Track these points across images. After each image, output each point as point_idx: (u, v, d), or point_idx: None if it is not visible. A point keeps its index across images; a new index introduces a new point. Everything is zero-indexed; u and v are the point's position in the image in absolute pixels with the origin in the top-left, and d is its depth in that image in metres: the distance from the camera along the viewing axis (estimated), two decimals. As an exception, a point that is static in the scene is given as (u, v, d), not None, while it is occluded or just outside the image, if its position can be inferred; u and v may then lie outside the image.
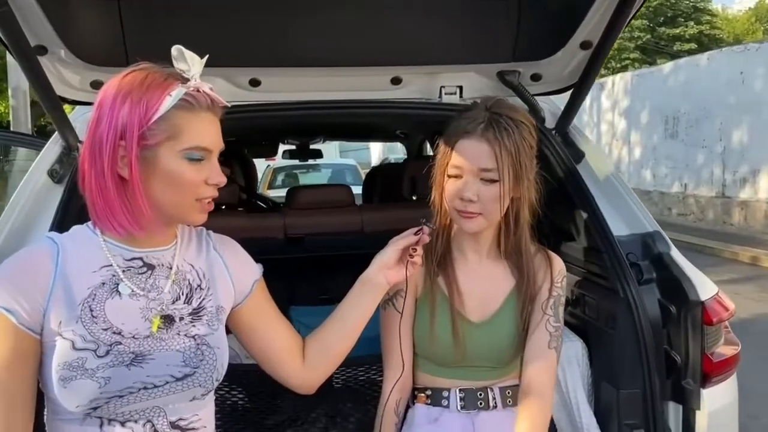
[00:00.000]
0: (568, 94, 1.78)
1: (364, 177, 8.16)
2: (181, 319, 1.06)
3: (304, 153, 4.75)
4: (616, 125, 13.96)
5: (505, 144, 1.24)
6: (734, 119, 10.24)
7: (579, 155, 1.73)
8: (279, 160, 9.03)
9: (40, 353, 0.99)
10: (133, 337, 1.01)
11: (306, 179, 9.23)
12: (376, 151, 24.76)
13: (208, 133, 1.02)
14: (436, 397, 1.38)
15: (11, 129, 9.37)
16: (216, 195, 1.06)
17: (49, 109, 1.51)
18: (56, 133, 1.63)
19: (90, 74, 1.63)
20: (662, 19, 37.03)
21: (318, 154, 5.10)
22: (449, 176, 1.30)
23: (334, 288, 1.40)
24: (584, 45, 1.66)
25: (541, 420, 1.30)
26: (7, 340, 0.96)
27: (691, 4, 37.32)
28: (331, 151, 12.16)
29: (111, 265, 1.03)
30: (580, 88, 1.70)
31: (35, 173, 1.58)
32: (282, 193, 6.56)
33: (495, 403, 1.36)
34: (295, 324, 1.48)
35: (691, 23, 36.68)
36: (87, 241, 1.05)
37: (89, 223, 1.07)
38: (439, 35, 1.70)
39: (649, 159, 12.77)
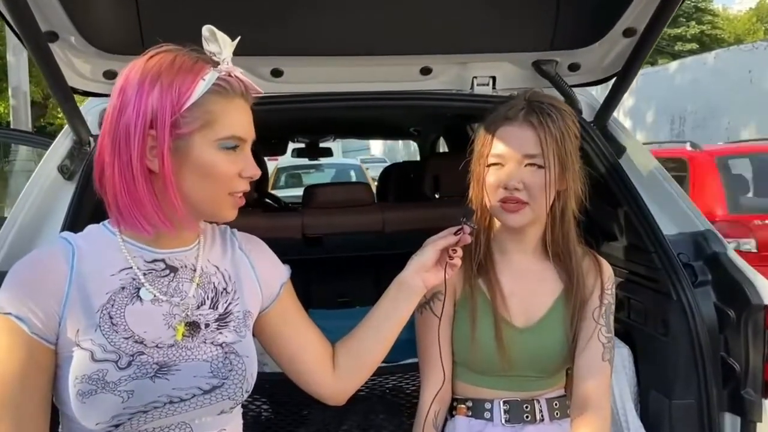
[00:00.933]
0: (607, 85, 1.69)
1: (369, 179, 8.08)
2: (207, 325, 0.96)
3: (314, 151, 4.65)
4: (621, 125, 13.92)
5: (550, 129, 1.17)
6: (742, 118, 10.19)
7: (620, 150, 1.64)
8: (281, 160, 8.94)
9: (55, 365, 0.89)
10: (157, 346, 0.91)
11: (309, 179, 9.11)
12: (377, 152, 24.71)
13: (243, 122, 0.94)
14: (477, 409, 1.27)
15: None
16: (248, 189, 0.97)
17: (60, 101, 1.42)
18: (66, 126, 1.54)
19: (103, 63, 1.53)
20: (663, 19, 36.98)
21: (328, 152, 5.00)
22: (490, 166, 1.21)
23: (354, 290, 1.33)
24: (627, 32, 1.56)
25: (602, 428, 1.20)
26: (19, 351, 0.86)
27: (692, 4, 37.29)
28: (334, 151, 12.07)
29: (131, 268, 0.93)
30: (622, 79, 1.60)
31: (44, 169, 1.48)
32: (286, 193, 6.50)
33: (542, 416, 1.26)
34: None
35: (693, 23, 36.64)
36: (104, 242, 0.95)
37: (106, 222, 0.98)
38: (472, 22, 1.60)
39: (655, 159, 12.72)
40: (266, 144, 3.62)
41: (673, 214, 1.53)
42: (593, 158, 1.59)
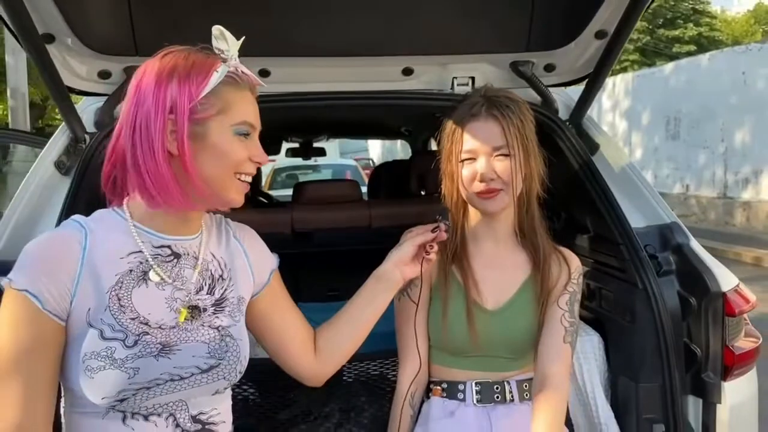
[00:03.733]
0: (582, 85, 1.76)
1: (364, 177, 8.14)
2: (205, 310, 1.03)
3: (307, 151, 4.72)
4: (617, 126, 13.94)
5: (512, 119, 1.26)
6: (736, 119, 10.23)
7: (594, 147, 1.71)
8: (278, 161, 9.01)
9: (64, 342, 0.96)
10: (160, 327, 0.98)
11: (306, 180, 9.17)
12: (376, 153, 24.75)
13: (253, 111, 1.03)
14: (451, 391, 1.35)
15: (10, 130, 9.36)
16: (254, 172, 1.06)
17: (57, 100, 1.49)
18: (63, 124, 1.61)
19: (98, 63, 1.60)
20: (661, 20, 37.03)
21: (321, 152, 5.07)
22: (462, 161, 1.28)
23: (342, 284, 1.39)
24: (599, 34, 1.63)
25: (558, 413, 1.27)
26: (31, 326, 0.92)
27: (690, 6, 37.37)
28: (332, 151, 12.12)
29: (141, 252, 1.00)
30: (595, 79, 1.67)
31: (42, 165, 1.55)
32: (282, 193, 6.56)
33: (512, 396, 1.34)
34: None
35: (690, 25, 36.70)
36: (114, 226, 1.01)
37: (115, 207, 1.04)
38: (452, 24, 1.67)
39: (650, 160, 12.74)
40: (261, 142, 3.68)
41: (642, 207, 1.60)
42: (567, 154, 1.66)
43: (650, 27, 36.94)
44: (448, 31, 1.68)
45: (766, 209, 9.66)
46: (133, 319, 0.96)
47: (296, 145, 4.67)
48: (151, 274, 0.99)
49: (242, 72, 1.01)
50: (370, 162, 11.50)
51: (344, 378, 1.53)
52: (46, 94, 16.05)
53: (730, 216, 10.41)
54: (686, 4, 37.08)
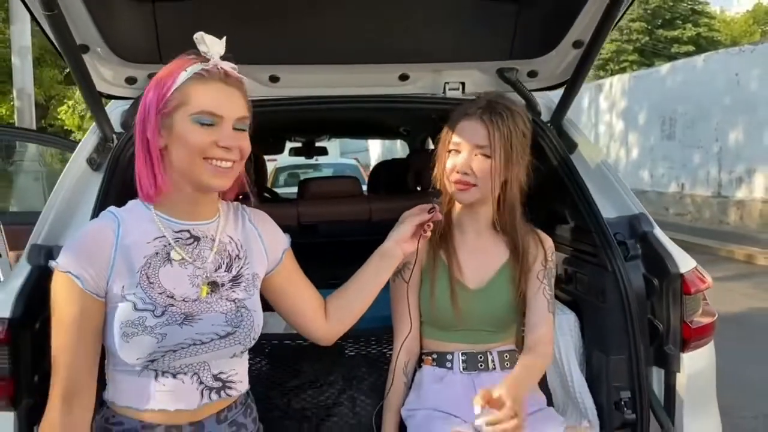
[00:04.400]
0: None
1: (365, 176, 8.31)
2: (223, 285, 1.21)
3: (310, 150, 4.91)
4: (614, 126, 14.11)
5: (499, 126, 1.42)
6: (730, 120, 10.40)
7: (572, 146, 1.88)
8: (280, 160, 9.17)
9: (104, 313, 1.14)
10: (184, 300, 1.16)
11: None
12: (375, 153, 24.93)
13: (218, 100, 1.12)
14: (440, 360, 1.53)
15: (16, 130, 9.50)
16: (229, 158, 1.14)
17: (90, 103, 1.66)
18: (93, 124, 1.79)
19: (125, 70, 1.77)
20: (660, 21, 37.17)
21: (323, 151, 5.26)
22: (449, 151, 1.46)
23: (345, 272, 1.53)
24: (576, 44, 1.80)
25: (540, 365, 1.46)
26: (75, 302, 1.11)
27: (689, 6, 37.48)
28: (332, 150, 12.29)
29: (164, 236, 1.17)
30: (572, 84, 1.84)
31: (76, 161, 1.73)
32: (284, 191, 6.74)
33: (494, 365, 1.52)
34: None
35: (689, 25, 36.83)
36: (141, 215, 1.19)
37: (139, 199, 1.21)
38: (444, 35, 1.85)
39: (646, 159, 12.92)
40: (265, 143, 3.87)
41: (614, 200, 1.78)
42: (547, 152, 1.84)
43: (649, 27, 37.09)
44: (440, 40, 1.86)
45: (759, 208, 9.83)
46: (160, 293, 1.14)
47: (299, 144, 4.86)
48: (173, 254, 1.17)
49: (220, 68, 1.14)
50: (356, 160, 11.71)
51: (347, 353, 1.71)
52: (49, 94, 16.26)
53: (724, 214, 10.58)
54: (685, 4, 37.21)
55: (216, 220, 1.25)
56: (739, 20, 49.59)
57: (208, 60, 1.14)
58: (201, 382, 1.18)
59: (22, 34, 9.87)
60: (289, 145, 4.89)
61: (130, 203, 1.22)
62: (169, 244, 1.17)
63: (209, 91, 1.12)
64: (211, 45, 1.14)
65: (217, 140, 1.12)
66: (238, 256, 1.25)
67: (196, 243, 1.21)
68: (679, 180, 11.86)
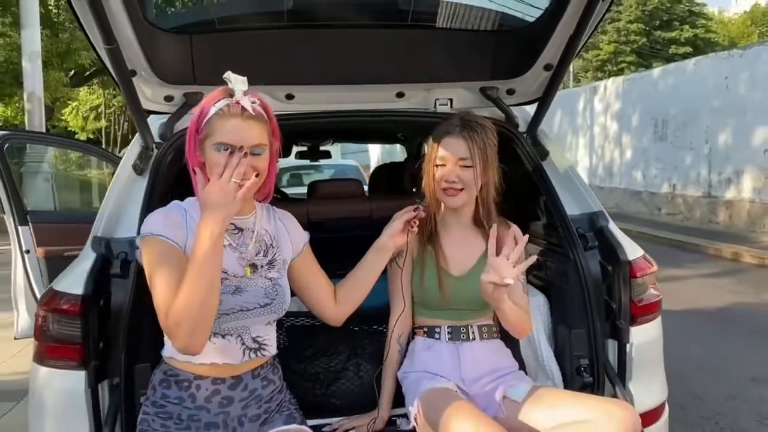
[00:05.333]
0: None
1: (365, 176, 8.60)
2: (262, 266, 1.53)
3: (315, 154, 5.25)
4: (608, 128, 14.39)
5: (476, 140, 1.74)
6: (719, 122, 10.68)
7: (545, 153, 2.20)
8: (282, 162, 9.47)
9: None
10: (234, 276, 1.48)
11: (309, 179, 9.66)
12: (375, 154, 25.25)
13: (233, 134, 1.39)
14: (430, 332, 1.85)
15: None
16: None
17: (136, 117, 1.98)
18: (137, 134, 2.10)
19: (164, 90, 2.09)
20: (658, 23, 37.41)
21: (327, 154, 5.60)
22: (436, 165, 1.78)
23: (348, 265, 1.82)
24: (547, 67, 2.12)
25: (524, 315, 1.75)
26: (168, 255, 1.39)
27: (686, 8, 37.73)
28: (334, 153, 12.59)
29: None
30: (544, 100, 2.16)
31: (124, 167, 2.04)
32: (287, 191, 7.05)
33: (474, 336, 1.83)
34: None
35: (686, 27, 37.09)
36: (198, 209, 1.50)
37: (196, 198, 1.52)
38: (434, 59, 2.17)
39: (639, 160, 13.20)
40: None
41: (578, 199, 2.10)
42: (523, 159, 2.16)
43: (647, 29, 37.36)
44: (431, 64, 2.18)
45: (747, 207, 10.12)
46: None
47: (305, 148, 5.20)
48: (223, 240, 1.49)
49: (235, 104, 1.41)
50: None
51: (352, 328, 2.03)
52: (55, 96, 16.54)
53: (713, 214, 10.86)
54: (682, 6, 37.46)
55: (253, 215, 1.57)
56: (736, 21, 49.81)
57: (233, 95, 1.42)
58: (243, 343, 1.50)
59: (32, 39, 10.06)
60: (295, 149, 5.23)
61: (189, 200, 1.54)
62: None
63: (227, 126, 1.40)
64: (235, 82, 1.43)
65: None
66: (271, 245, 1.57)
67: (240, 233, 1.53)
68: (671, 181, 12.14)
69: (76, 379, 1.67)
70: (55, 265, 3.81)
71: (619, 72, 31.94)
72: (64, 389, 1.68)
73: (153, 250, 1.40)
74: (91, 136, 24.18)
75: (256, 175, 1.41)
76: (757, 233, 9.65)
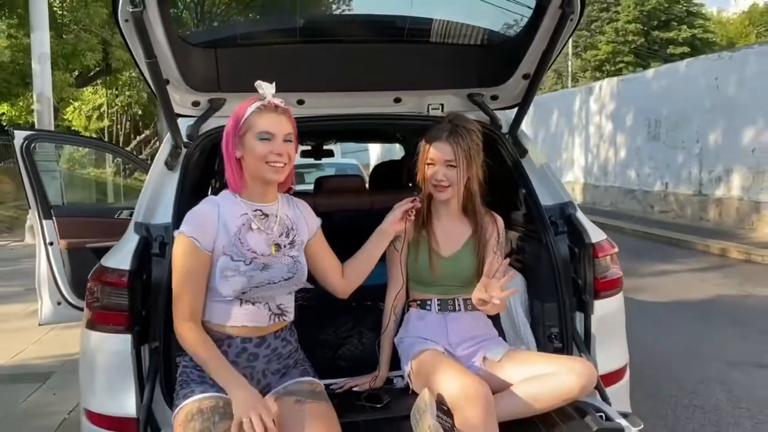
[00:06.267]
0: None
1: (365, 174, 8.92)
2: (284, 246, 1.83)
3: (318, 152, 5.59)
4: (603, 128, 14.67)
5: (460, 144, 2.06)
6: (710, 122, 10.95)
7: (524, 151, 2.51)
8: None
9: (211, 263, 1.74)
10: (262, 254, 1.78)
11: (311, 178, 9.99)
12: (374, 153, 25.58)
13: (271, 124, 1.74)
14: (422, 305, 2.16)
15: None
16: (281, 161, 1.74)
17: (168, 120, 2.29)
18: (168, 134, 2.40)
19: (192, 96, 2.39)
20: (656, 23, 37.65)
21: (330, 153, 5.94)
22: (427, 164, 2.10)
23: (352, 250, 2.13)
24: (525, 76, 2.42)
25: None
26: (193, 256, 1.72)
27: (684, 8, 37.97)
28: (335, 152, 12.92)
29: (246, 214, 1.80)
30: (523, 105, 2.48)
31: (158, 163, 2.35)
32: (300, 188, 7.37)
33: (459, 308, 2.14)
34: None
35: (684, 27, 37.32)
36: (231, 200, 1.81)
37: (228, 191, 1.83)
38: (427, 69, 2.49)
39: (633, 159, 13.48)
40: None
41: (552, 192, 2.41)
42: (505, 157, 2.47)
43: (645, 29, 37.60)
44: (424, 73, 2.49)
45: (736, 205, 10.42)
46: (248, 250, 1.76)
47: (309, 147, 5.54)
48: (253, 225, 1.80)
49: (270, 102, 1.76)
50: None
51: (353, 304, 2.35)
52: (61, 96, 16.84)
53: (704, 212, 11.15)
54: (680, 6, 37.69)
55: (276, 203, 1.88)
56: (734, 21, 50.01)
57: (264, 98, 1.77)
58: (270, 310, 1.81)
59: (41, 41, 10.32)
60: (301, 148, 5.58)
61: (223, 193, 1.84)
62: (250, 218, 1.80)
63: (265, 119, 1.75)
64: (266, 88, 1.78)
65: (272, 149, 1.74)
66: (292, 227, 1.88)
67: (266, 218, 1.83)
68: (663, 179, 12.43)
69: (123, 341, 1.98)
70: (75, 256, 4.10)
71: (618, 72, 32.16)
72: (113, 350, 1.99)
73: (180, 246, 1.74)
74: (94, 135, 24.50)
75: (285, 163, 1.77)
76: (745, 230, 9.96)
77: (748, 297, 6.27)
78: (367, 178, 6.77)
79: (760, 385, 3.89)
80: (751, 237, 9.33)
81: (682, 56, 24.28)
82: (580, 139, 15.83)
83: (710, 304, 5.96)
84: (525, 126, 2.56)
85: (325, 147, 5.59)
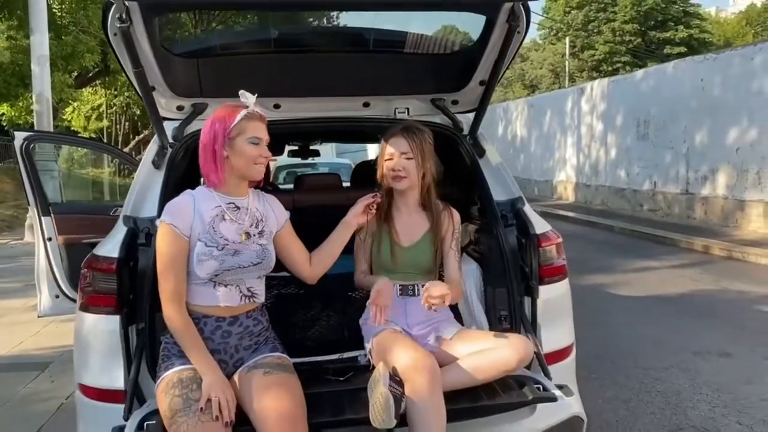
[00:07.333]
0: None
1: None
2: (254, 235, 2.06)
3: (305, 152, 5.86)
4: (594, 128, 14.87)
5: (414, 138, 2.31)
6: (696, 122, 11.16)
7: (482, 152, 2.74)
8: (279, 160, 10.06)
9: (189, 249, 1.97)
10: (233, 242, 2.00)
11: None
12: (373, 153, 25.74)
13: (258, 130, 2.01)
14: (385, 289, 2.40)
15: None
16: (265, 163, 2.05)
17: (155, 123, 2.51)
18: (155, 136, 2.63)
19: (176, 101, 2.63)
20: (653, 23, 37.88)
21: (316, 153, 6.21)
22: (386, 161, 2.33)
23: None
24: (481, 83, 2.66)
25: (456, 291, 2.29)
26: (175, 242, 1.95)
27: (681, 8, 38.18)
28: (329, 151, 13.22)
29: (219, 206, 2.03)
30: (480, 109, 2.71)
31: (145, 161, 2.58)
32: (283, 187, 7.62)
33: (417, 292, 2.37)
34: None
35: (681, 27, 37.54)
36: (206, 194, 2.04)
37: (205, 185, 2.06)
38: (394, 76, 2.72)
39: (623, 159, 13.69)
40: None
41: (505, 188, 2.64)
42: (464, 156, 2.70)
43: (642, 29, 37.81)
44: (391, 80, 2.72)
45: (721, 204, 10.63)
46: (220, 237, 1.99)
47: (296, 147, 5.80)
48: (225, 216, 2.03)
49: (255, 111, 2.01)
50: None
51: (322, 288, 2.57)
52: (60, 97, 17.08)
53: (691, 210, 11.36)
54: (677, 6, 37.89)
55: (247, 197, 2.11)
56: (731, 21, 50.18)
57: (246, 105, 2.01)
58: (240, 291, 2.04)
59: (41, 43, 10.48)
60: (288, 148, 5.83)
61: (199, 188, 2.07)
62: (223, 210, 2.03)
63: (254, 125, 2.02)
64: (249, 98, 2.02)
65: (261, 153, 2.03)
66: (261, 219, 2.11)
67: (238, 210, 2.06)
68: (652, 178, 12.63)
69: (113, 322, 2.20)
70: (73, 251, 4.30)
71: (615, 72, 32.36)
72: (104, 330, 2.21)
73: (162, 233, 1.97)
74: (93, 136, 24.73)
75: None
76: (729, 228, 10.18)
77: (723, 292, 6.48)
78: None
79: (720, 371, 4.11)
80: (735, 234, 9.55)
81: (679, 56, 24.45)
82: (572, 139, 16.03)
83: (685, 298, 6.17)
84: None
85: (312, 147, 5.87)
